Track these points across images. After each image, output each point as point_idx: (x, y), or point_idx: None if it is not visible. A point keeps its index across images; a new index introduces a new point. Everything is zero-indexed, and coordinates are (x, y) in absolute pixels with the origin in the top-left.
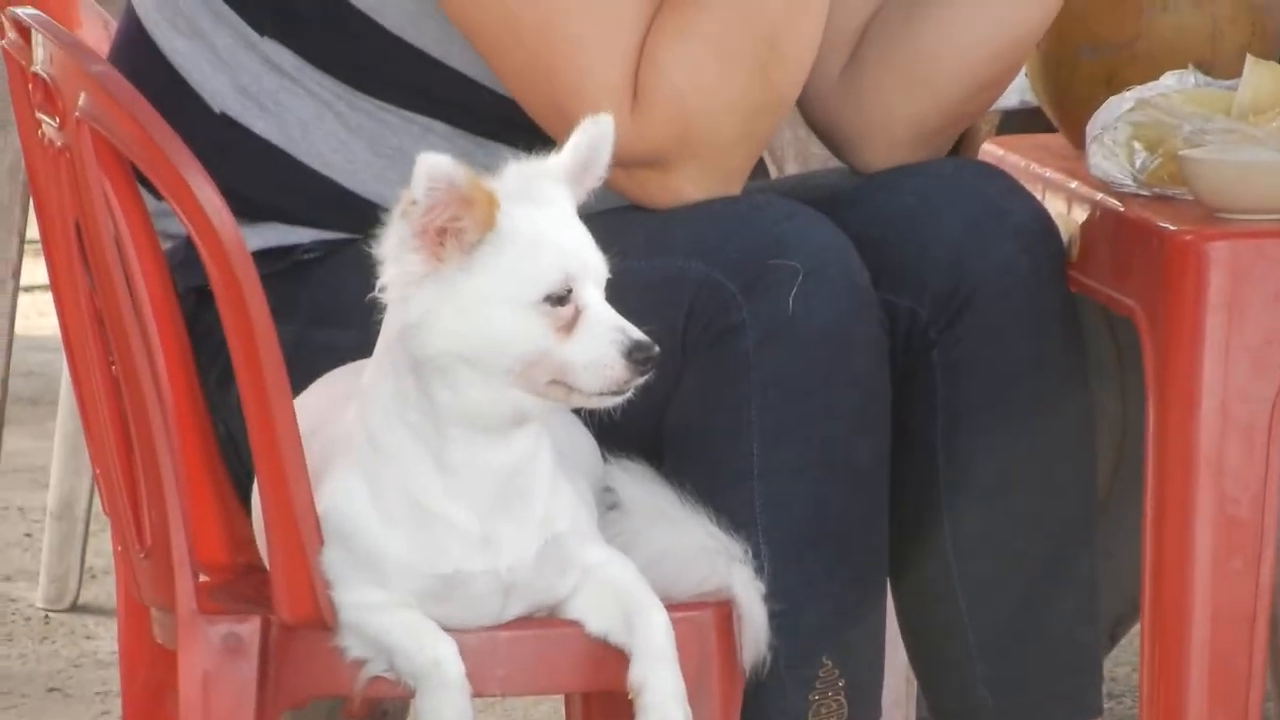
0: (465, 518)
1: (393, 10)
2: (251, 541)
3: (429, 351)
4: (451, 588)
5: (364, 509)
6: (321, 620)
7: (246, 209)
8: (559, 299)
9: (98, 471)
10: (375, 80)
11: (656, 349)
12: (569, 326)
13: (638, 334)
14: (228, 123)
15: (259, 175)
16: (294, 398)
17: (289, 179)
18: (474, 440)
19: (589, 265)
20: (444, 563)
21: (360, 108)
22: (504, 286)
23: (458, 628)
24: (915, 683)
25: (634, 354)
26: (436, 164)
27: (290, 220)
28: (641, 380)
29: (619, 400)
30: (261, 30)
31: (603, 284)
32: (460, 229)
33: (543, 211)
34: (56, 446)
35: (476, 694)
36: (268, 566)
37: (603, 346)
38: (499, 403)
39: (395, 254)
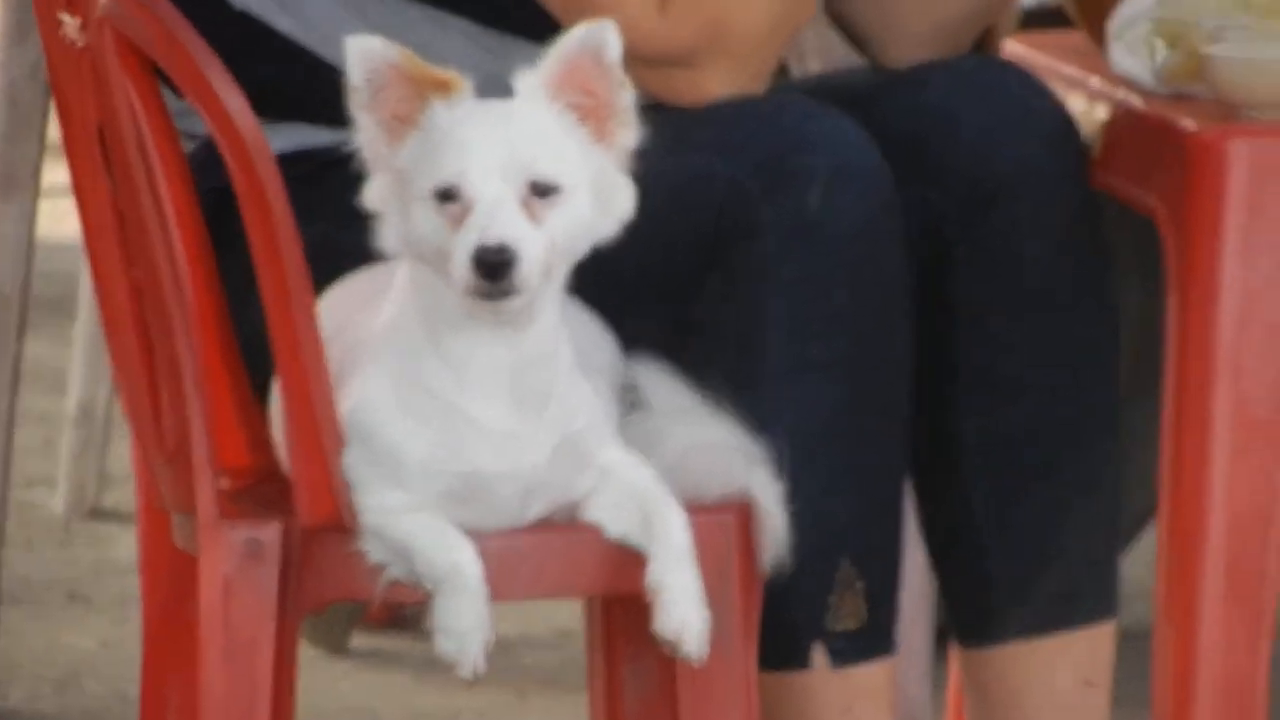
0: (485, 415)
1: None
2: (271, 445)
3: (384, 242)
4: (472, 488)
5: (387, 408)
6: (342, 524)
7: (269, 108)
8: (445, 194)
9: (118, 376)
10: None
11: (509, 256)
12: (458, 223)
13: (493, 238)
14: (248, 20)
15: (280, 74)
16: (316, 300)
17: (310, 77)
18: (471, 333)
19: (491, 163)
20: (464, 462)
21: (389, 8)
22: (412, 178)
23: (479, 530)
24: (935, 584)
25: (480, 257)
26: (367, 45)
27: (313, 120)
28: (503, 291)
29: (493, 306)
30: None
31: (517, 182)
32: (409, 111)
33: (478, 108)
34: (76, 352)
35: (497, 599)
36: (288, 471)
37: (460, 248)
38: (447, 295)
39: (365, 144)
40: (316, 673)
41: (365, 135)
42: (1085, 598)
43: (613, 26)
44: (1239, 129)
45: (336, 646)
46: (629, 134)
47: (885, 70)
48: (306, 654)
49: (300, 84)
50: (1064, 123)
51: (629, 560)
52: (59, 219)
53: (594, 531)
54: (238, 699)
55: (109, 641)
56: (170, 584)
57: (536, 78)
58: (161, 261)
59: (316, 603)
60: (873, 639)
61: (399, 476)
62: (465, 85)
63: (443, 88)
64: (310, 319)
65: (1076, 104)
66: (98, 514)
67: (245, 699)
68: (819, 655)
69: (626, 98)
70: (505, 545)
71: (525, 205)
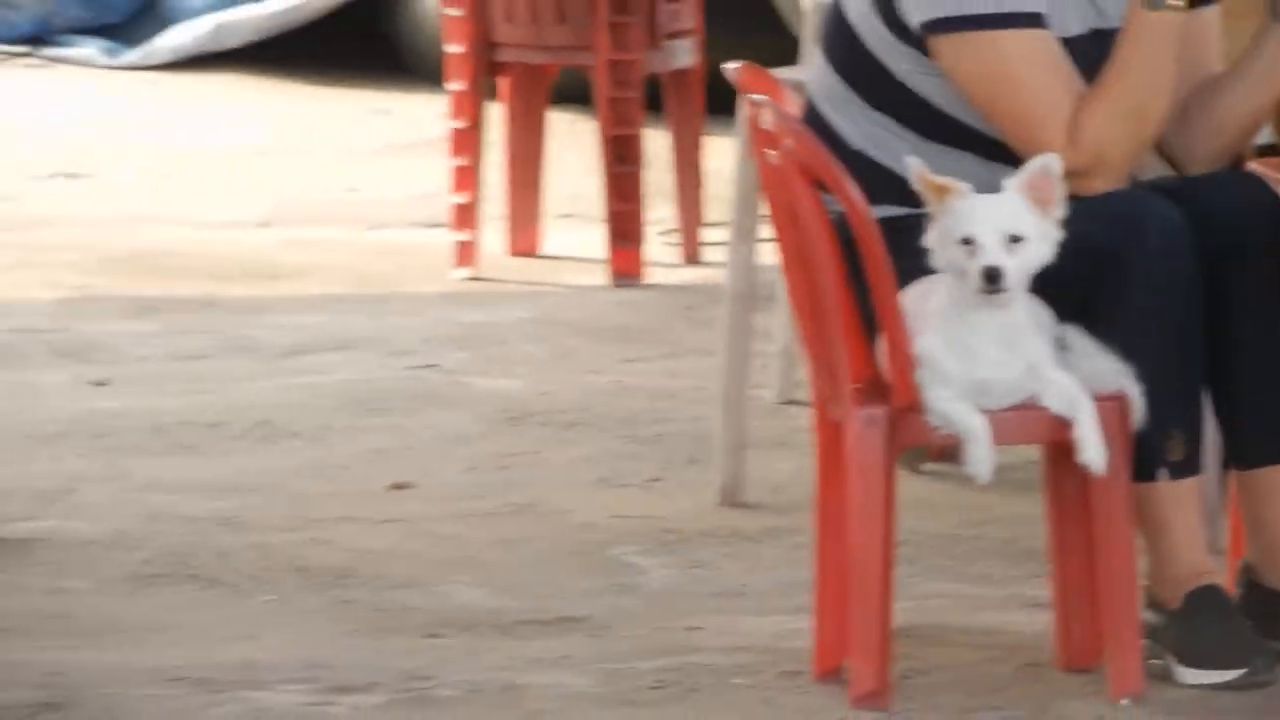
0: (987, 353)
1: (941, 96)
2: (878, 367)
3: (935, 264)
4: (983, 389)
5: (939, 348)
6: (917, 407)
7: (873, 197)
8: (966, 240)
9: (800, 330)
10: (936, 133)
11: (999, 273)
12: (973, 256)
13: (988, 262)
14: (861, 154)
15: (879, 181)
16: (899, 293)
17: (893, 183)
18: (980, 312)
19: (988, 225)
20: (979, 374)
21: (930, 148)
22: (948, 232)
23: (987, 409)
24: (1218, 441)
25: (983, 275)
26: (916, 165)
27: (896, 203)
28: (996, 289)
29: (991, 298)
30: (877, 108)
31: (1002, 236)
32: (942, 199)
33: (981, 198)
34: (777, 320)
35: (996, 444)
36: (888, 379)
37: (974, 268)
38: (968, 292)
39: (928, 214)
40: (906, 482)
41: (927, 209)
42: None
43: (1057, 158)
44: None
45: (914, 469)
46: (1059, 210)
47: (1186, 176)
48: (900, 473)
49: (888, 186)
50: None
51: (1064, 424)
52: (767, 254)
53: (1045, 410)
54: (868, 497)
55: (801, 468)
56: (829, 437)
57: (1016, 181)
58: (821, 273)
59: (904, 446)
60: (1190, 465)
61: (945, 382)
62: (966, 187)
63: (954, 190)
64: (897, 303)
65: None
66: (791, 401)
67: (873, 497)
68: (1162, 474)
69: (1061, 191)
70: (1001, 416)
71: (1006, 248)
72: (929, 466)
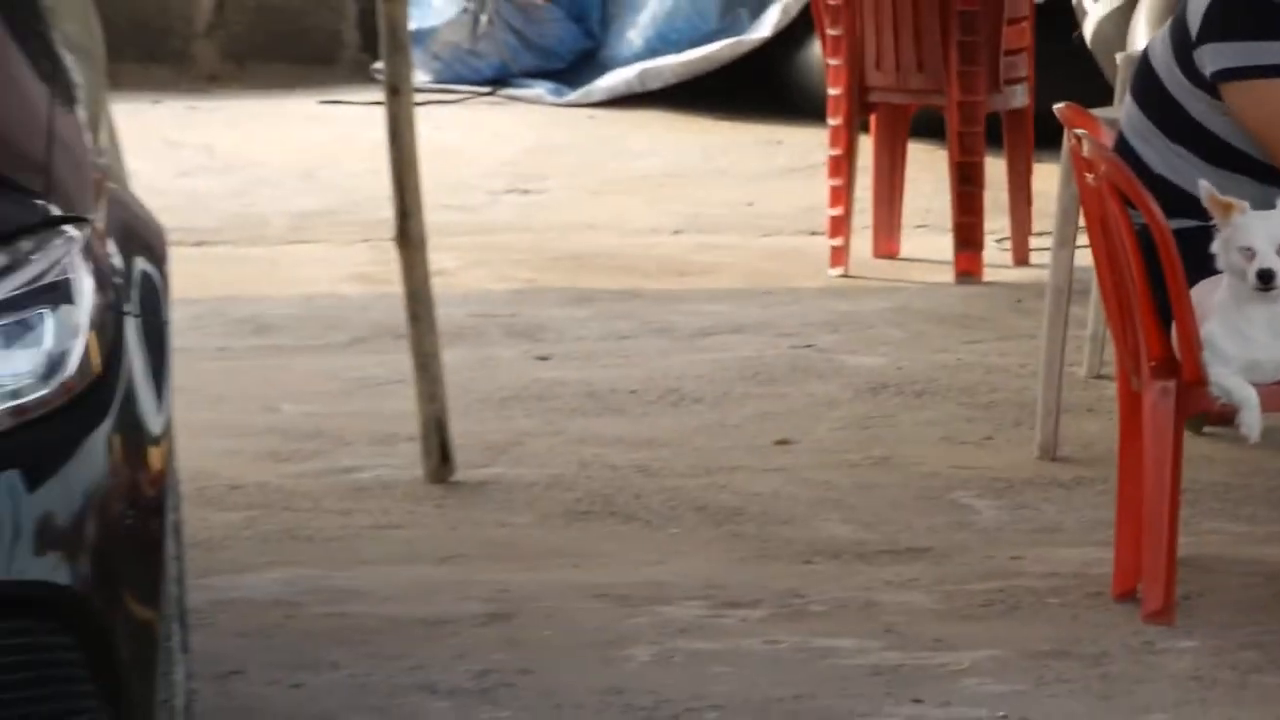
0: (1259, 337)
1: (1227, 132)
2: (1172, 348)
3: (1219, 265)
4: (1255, 366)
5: (1221, 334)
6: (1202, 382)
7: (1170, 212)
8: (1244, 248)
9: (1108, 318)
10: (1223, 161)
11: (1272, 272)
12: (1250, 261)
13: (1263, 266)
14: (1161, 178)
15: (1175, 200)
16: (1189, 290)
17: (1187, 201)
18: (1255, 305)
19: (1264, 236)
20: (1252, 355)
21: (1217, 173)
22: (1231, 241)
23: (1258, 383)
24: None
25: (1259, 276)
26: (1205, 187)
27: (1189, 218)
28: (1269, 287)
29: (1265, 295)
30: (1176, 140)
31: (1275, 244)
32: (1225, 214)
33: (1259, 214)
34: (1090, 311)
35: (1265, 410)
36: (1179, 358)
37: (1251, 270)
38: (1246, 290)
39: (1218, 226)
40: (1191, 441)
41: (1214, 222)
42: None
43: None
44: None
45: (1197, 431)
46: None
47: None
48: (1186, 434)
49: (1184, 202)
50: None
51: None
52: (1082, 257)
53: None
54: (1160, 453)
55: (1106, 430)
56: (1129, 405)
57: None
58: (1126, 272)
59: (1190, 412)
60: None
61: (1225, 361)
62: (1245, 205)
63: (1237, 207)
64: (1187, 298)
65: None
66: (1100, 376)
67: (1164, 453)
68: None
69: None
70: (1269, 389)
71: (1279, 253)
72: (1209, 429)
